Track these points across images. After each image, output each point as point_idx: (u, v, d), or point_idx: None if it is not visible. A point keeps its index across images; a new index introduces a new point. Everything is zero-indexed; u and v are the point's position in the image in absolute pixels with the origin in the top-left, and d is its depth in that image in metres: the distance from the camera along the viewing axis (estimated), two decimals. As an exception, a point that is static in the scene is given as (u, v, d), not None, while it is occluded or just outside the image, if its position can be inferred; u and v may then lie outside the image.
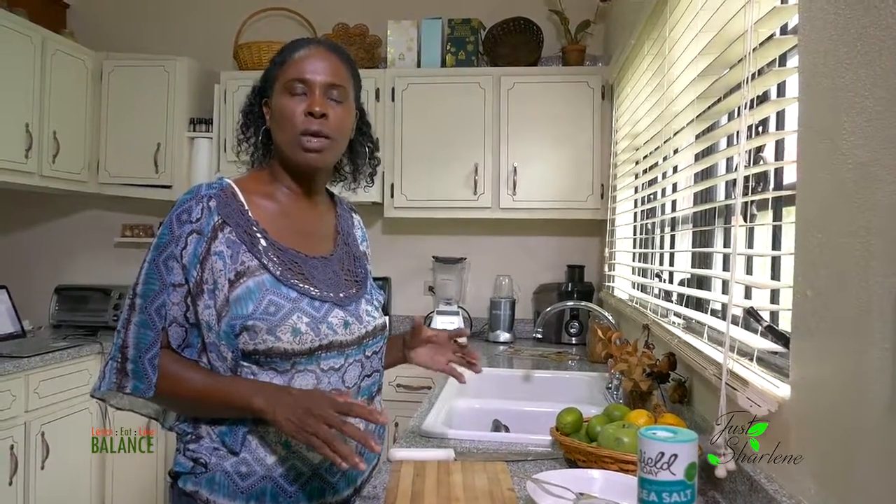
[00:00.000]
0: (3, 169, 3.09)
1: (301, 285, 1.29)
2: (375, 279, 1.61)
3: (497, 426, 2.05)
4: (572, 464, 1.54)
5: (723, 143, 1.85)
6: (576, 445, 1.51)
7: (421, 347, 1.57)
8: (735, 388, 1.23)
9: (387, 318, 1.50)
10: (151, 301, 1.25)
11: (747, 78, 1.29)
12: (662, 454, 0.99)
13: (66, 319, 3.70)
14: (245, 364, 1.25)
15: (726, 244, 1.86)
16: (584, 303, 2.89)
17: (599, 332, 2.36)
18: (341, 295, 1.35)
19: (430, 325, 3.61)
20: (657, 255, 2.54)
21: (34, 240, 4.09)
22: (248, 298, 1.24)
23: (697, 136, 1.91)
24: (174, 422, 1.34)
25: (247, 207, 1.31)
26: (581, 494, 1.23)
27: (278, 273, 1.27)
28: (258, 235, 1.29)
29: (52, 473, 2.98)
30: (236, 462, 1.25)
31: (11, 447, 2.77)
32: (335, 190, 1.54)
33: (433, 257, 3.74)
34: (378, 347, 1.42)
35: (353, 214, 1.58)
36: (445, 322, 3.53)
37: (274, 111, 1.35)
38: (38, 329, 3.64)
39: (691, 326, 1.91)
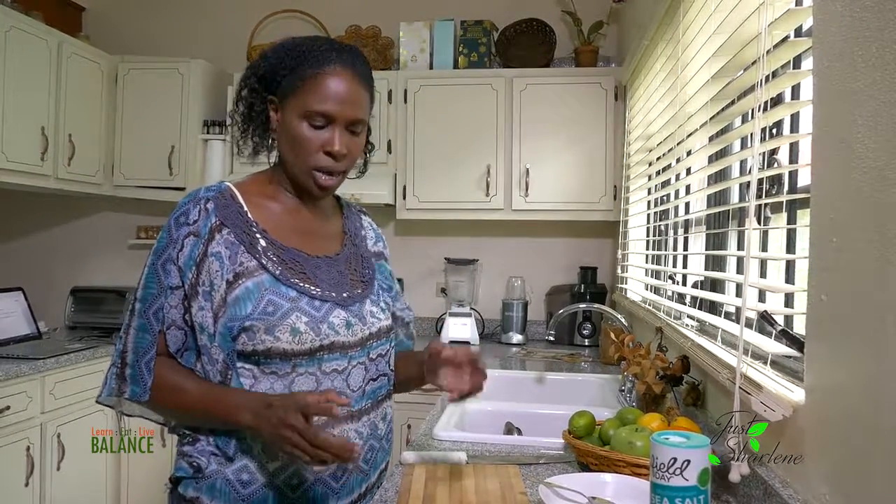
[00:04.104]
0: (20, 171, 3.12)
1: (301, 284, 1.27)
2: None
3: (509, 429, 2.05)
4: (585, 467, 1.53)
5: (737, 145, 1.83)
6: (588, 449, 1.50)
7: (442, 370, 1.37)
8: (749, 393, 1.22)
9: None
10: (150, 305, 1.25)
11: (761, 80, 1.28)
12: (675, 459, 0.99)
13: (82, 321, 3.72)
14: (246, 366, 1.23)
15: (740, 247, 1.85)
16: (596, 305, 2.89)
17: (612, 335, 2.35)
18: (344, 295, 1.32)
19: (442, 327, 3.61)
20: (670, 258, 2.53)
21: (50, 242, 4.12)
22: (247, 299, 1.23)
23: (711, 138, 1.90)
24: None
25: (246, 209, 1.30)
26: (593, 498, 1.23)
27: (278, 272, 1.26)
28: (257, 236, 1.28)
29: (68, 475, 3.00)
30: (238, 469, 1.24)
31: (27, 448, 2.79)
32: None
33: (445, 259, 3.73)
34: (384, 350, 1.39)
35: (363, 216, 1.56)
36: (458, 324, 3.52)
37: (286, 130, 1.29)
38: (53, 331, 3.67)
39: (705, 329, 1.90)
